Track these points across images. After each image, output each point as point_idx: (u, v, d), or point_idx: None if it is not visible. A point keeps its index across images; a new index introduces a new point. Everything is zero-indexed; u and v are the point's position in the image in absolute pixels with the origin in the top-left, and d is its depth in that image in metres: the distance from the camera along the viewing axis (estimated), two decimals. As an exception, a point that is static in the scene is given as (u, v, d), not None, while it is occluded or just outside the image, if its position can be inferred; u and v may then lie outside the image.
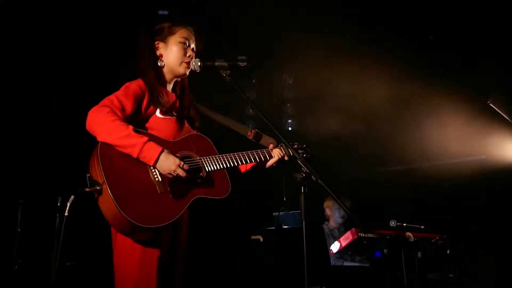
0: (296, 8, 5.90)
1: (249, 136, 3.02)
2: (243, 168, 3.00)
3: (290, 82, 7.30)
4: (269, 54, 6.28)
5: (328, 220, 5.92)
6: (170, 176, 2.55)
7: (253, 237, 5.05)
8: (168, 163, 2.53)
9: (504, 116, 6.13)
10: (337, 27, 5.84)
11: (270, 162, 2.94)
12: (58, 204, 3.53)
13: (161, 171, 2.54)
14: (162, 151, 2.53)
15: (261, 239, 4.94)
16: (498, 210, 6.06)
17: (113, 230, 2.62)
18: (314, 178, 2.46)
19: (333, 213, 5.86)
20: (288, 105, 7.29)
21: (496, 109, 6.09)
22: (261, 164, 2.96)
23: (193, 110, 2.97)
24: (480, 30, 5.74)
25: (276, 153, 2.93)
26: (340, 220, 5.82)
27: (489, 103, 6.07)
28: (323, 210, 5.96)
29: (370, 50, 5.93)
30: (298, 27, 5.90)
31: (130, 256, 2.55)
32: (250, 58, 5.80)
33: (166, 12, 5.71)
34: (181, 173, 2.55)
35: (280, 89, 7.29)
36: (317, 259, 4.47)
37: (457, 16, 5.77)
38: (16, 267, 4.40)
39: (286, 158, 2.93)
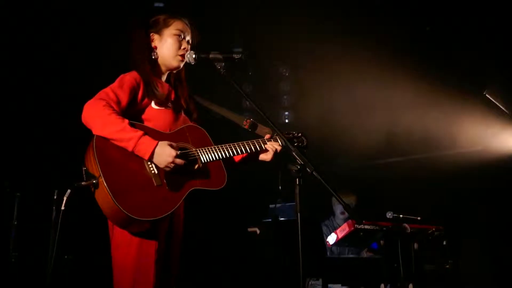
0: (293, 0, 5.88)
1: (245, 125, 3.01)
2: (238, 158, 3.00)
3: (287, 74, 7.28)
4: (266, 46, 6.25)
5: (334, 216, 5.87)
6: (168, 169, 2.54)
7: (249, 229, 5.06)
8: (164, 156, 2.52)
9: (501, 107, 6.13)
10: (335, 18, 5.82)
11: (264, 158, 2.93)
12: (55, 197, 3.52)
13: (158, 165, 2.54)
14: (157, 144, 2.52)
15: (258, 231, 4.95)
16: (495, 202, 6.08)
17: (110, 223, 2.63)
18: (308, 170, 2.44)
19: (335, 209, 5.81)
20: (285, 97, 7.28)
21: (493, 100, 6.09)
22: (256, 153, 2.95)
23: (192, 103, 2.96)
24: (474, 22, 5.73)
25: (270, 147, 2.91)
26: (340, 216, 5.76)
27: (485, 94, 6.07)
28: (332, 204, 5.91)
29: (367, 40, 5.91)
30: (294, 19, 5.87)
31: (127, 248, 2.56)
32: (247, 50, 5.77)
33: (161, 5, 5.67)
34: (179, 162, 2.54)
35: (276, 81, 7.27)
36: (314, 251, 4.48)
37: (454, 7, 5.75)
38: (12, 260, 4.41)
39: (278, 149, 2.91)
